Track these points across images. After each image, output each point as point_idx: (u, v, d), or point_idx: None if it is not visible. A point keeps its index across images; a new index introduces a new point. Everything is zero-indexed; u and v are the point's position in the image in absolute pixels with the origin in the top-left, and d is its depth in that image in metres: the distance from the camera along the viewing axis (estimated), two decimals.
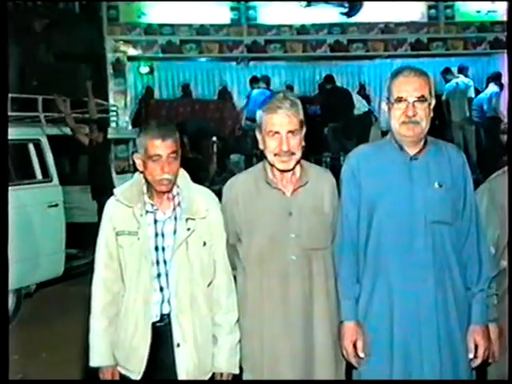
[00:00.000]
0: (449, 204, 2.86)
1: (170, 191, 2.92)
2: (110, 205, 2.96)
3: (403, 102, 2.82)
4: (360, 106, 10.80)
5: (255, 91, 11.81)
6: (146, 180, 2.91)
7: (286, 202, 2.94)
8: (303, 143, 2.95)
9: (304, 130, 2.96)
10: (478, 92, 11.69)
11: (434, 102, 2.90)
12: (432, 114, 2.90)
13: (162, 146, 2.82)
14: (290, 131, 2.87)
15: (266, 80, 12.25)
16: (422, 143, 2.90)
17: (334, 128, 10.56)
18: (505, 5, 10.41)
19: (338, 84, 12.61)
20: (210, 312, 2.97)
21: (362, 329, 2.88)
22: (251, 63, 13.02)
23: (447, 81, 11.56)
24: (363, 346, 2.87)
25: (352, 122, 10.50)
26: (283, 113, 2.86)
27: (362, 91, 12.93)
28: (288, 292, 2.91)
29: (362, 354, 2.88)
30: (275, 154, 2.89)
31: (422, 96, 2.82)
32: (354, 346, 2.89)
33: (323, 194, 2.99)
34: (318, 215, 2.96)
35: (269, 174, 2.97)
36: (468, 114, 11.09)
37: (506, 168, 3.10)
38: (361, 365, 2.90)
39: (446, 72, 11.72)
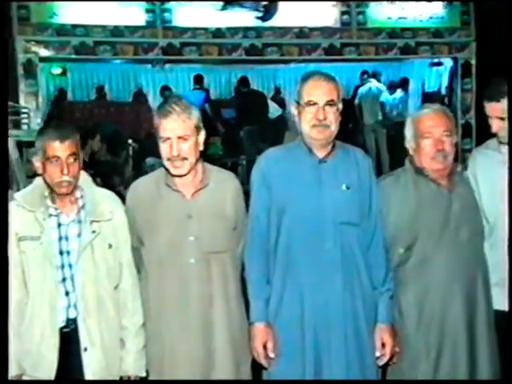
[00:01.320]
0: (356, 206, 2.93)
1: (71, 194, 2.88)
2: (11, 210, 2.86)
3: (313, 105, 2.88)
4: (274, 109, 10.91)
5: (189, 93, 11.98)
6: (47, 183, 2.85)
7: (185, 204, 2.94)
8: (201, 147, 2.95)
9: (202, 134, 2.96)
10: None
11: (341, 106, 2.96)
12: (340, 118, 2.96)
13: (61, 148, 2.78)
14: (180, 136, 2.86)
15: (199, 79, 12.29)
16: (330, 146, 2.96)
17: (250, 131, 10.61)
18: (416, 12, 10.74)
19: (255, 87, 12.72)
20: (117, 315, 2.95)
21: (272, 329, 2.91)
22: (167, 66, 12.93)
23: (364, 83, 11.86)
24: (274, 346, 2.90)
25: (267, 125, 10.58)
26: (174, 118, 2.85)
27: (278, 95, 13.08)
28: (187, 295, 2.91)
29: (272, 355, 2.90)
30: (168, 159, 2.88)
31: (332, 100, 2.89)
32: (265, 347, 2.91)
33: (225, 197, 3.00)
34: (218, 218, 2.96)
35: (169, 176, 2.96)
36: (380, 117, 11.38)
37: (392, 172, 3.24)
38: (271, 365, 2.93)
39: (363, 74, 12.03)
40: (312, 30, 10.51)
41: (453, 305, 3.01)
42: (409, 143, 3.15)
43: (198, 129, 2.93)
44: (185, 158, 2.88)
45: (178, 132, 2.85)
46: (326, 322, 2.86)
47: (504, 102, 3.16)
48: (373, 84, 11.55)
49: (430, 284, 3.02)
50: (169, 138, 2.86)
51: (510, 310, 2.86)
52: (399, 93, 11.77)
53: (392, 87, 12.10)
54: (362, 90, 11.65)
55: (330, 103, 2.87)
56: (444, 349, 3.02)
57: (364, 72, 12.03)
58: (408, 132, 3.14)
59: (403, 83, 11.91)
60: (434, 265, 3.02)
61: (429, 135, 3.04)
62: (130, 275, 2.98)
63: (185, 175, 2.93)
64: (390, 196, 3.08)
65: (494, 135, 3.34)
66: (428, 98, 11.83)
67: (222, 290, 2.95)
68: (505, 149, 3.32)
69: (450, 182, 3.10)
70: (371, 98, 11.36)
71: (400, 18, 10.71)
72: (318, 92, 2.88)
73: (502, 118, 3.17)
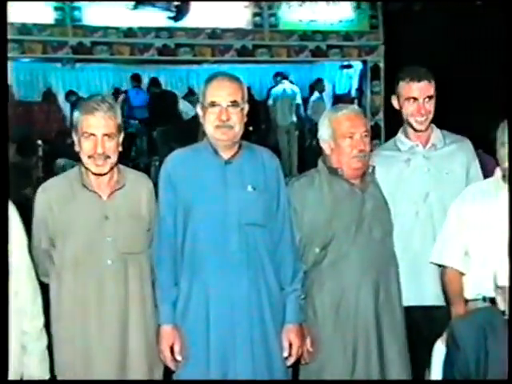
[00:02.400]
0: (262, 206, 2.93)
1: None
2: None
3: (217, 106, 2.87)
4: (187, 110, 10.88)
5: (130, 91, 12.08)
6: None
7: (101, 205, 2.92)
8: (120, 148, 2.93)
9: (122, 134, 2.95)
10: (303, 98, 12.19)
11: (247, 107, 2.96)
12: (246, 119, 2.96)
13: None
14: (105, 134, 2.84)
15: (137, 78, 12.25)
16: (236, 147, 2.96)
17: (163, 132, 10.55)
18: (326, 15, 10.93)
19: (168, 88, 12.65)
20: (17, 321, 2.87)
21: (179, 332, 2.89)
22: (77, 65, 12.68)
23: (277, 84, 11.96)
24: (180, 349, 2.88)
25: (180, 126, 10.55)
26: (100, 115, 2.83)
27: (191, 95, 13.02)
28: (103, 297, 2.88)
29: (179, 358, 2.88)
30: (89, 157, 2.85)
31: (235, 101, 2.88)
32: (172, 349, 2.89)
33: (140, 198, 3.00)
34: (134, 219, 2.95)
35: (85, 177, 2.93)
36: (294, 118, 11.48)
37: (302, 174, 3.26)
38: (178, 368, 2.91)
39: (276, 76, 12.12)
40: (224, 31, 10.54)
41: (367, 303, 3.06)
42: (326, 143, 3.15)
43: (120, 128, 2.92)
44: (108, 157, 2.86)
45: (104, 129, 2.84)
46: (231, 323, 2.86)
47: (426, 83, 3.29)
48: (287, 85, 11.64)
49: (345, 283, 3.06)
50: (93, 135, 2.83)
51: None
52: (314, 94, 11.96)
53: (308, 89, 12.32)
54: (275, 91, 11.71)
55: (234, 104, 2.87)
56: (358, 347, 3.06)
57: (277, 74, 12.14)
58: (325, 132, 3.14)
59: (316, 85, 12.09)
60: (348, 264, 3.05)
61: (350, 135, 3.07)
62: (29, 280, 2.89)
63: (104, 175, 2.90)
64: (305, 197, 3.09)
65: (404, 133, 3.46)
66: (339, 100, 12.06)
67: (138, 291, 2.95)
68: (404, 146, 3.42)
69: (362, 182, 3.14)
70: (285, 100, 11.43)
71: (311, 20, 10.86)
72: (222, 93, 2.88)
73: (425, 98, 3.30)
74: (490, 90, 9.78)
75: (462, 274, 3.10)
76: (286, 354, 2.96)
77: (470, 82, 9.74)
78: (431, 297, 3.29)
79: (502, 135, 2.98)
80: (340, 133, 3.09)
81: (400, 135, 3.48)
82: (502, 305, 2.58)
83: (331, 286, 3.06)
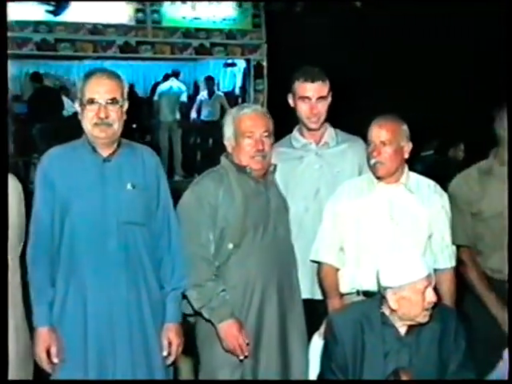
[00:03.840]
0: (141, 205, 2.91)
1: None
2: None
3: (95, 103, 2.82)
4: (68, 106, 10.60)
5: None
6: None
7: None
8: None
9: None
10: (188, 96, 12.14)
11: (126, 104, 2.92)
12: (125, 117, 2.92)
13: None
14: None
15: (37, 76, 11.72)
16: (115, 145, 2.92)
17: (42, 128, 10.24)
18: (209, 13, 10.97)
19: (48, 83, 12.26)
20: None
21: (56, 334, 2.81)
22: None
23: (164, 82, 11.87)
24: (57, 351, 2.80)
25: (61, 123, 10.28)
26: None
27: (66, 91, 12.66)
28: None
29: (55, 360, 2.80)
30: None
31: (114, 98, 2.84)
32: (48, 352, 2.80)
33: (10, 204, 2.88)
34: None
35: None
36: (178, 116, 11.40)
37: (209, 170, 3.23)
38: (55, 371, 2.83)
39: (166, 78, 12.02)
40: (106, 26, 10.36)
41: (272, 300, 3.09)
42: (228, 141, 3.16)
43: None
44: None
45: None
46: (109, 324, 2.82)
47: (320, 83, 3.36)
48: (174, 83, 11.55)
49: (251, 279, 3.07)
50: None
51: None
52: (201, 92, 11.95)
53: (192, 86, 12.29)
54: (162, 87, 11.59)
55: (113, 101, 2.83)
56: (262, 344, 3.08)
57: (167, 75, 12.05)
58: (228, 130, 3.16)
59: (205, 83, 12.06)
60: (255, 261, 3.07)
61: (250, 135, 3.09)
62: None
63: None
64: (217, 191, 3.07)
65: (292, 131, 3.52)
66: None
67: (10, 297, 2.83)
68: (298, 144, 3.49)
69: (265, 180, 3.18)
70: (171, 97, 11.32)
71: (194, 18, 10.86)
72: (100, 90, 2.82)
73: (318, 98, 3.36)
74: (375, 89, 10.10)
75: (338, 269, 3.20)
76: (165, 353, 2.94)
77: (355, 81, 10.04)
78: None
79: (369, 135, 3.12)
80: (240, 131, 3.11)
81: (295, 133, 3.54)
82: (393, 304, 2.64)
83: (237, 283, 3.07)
